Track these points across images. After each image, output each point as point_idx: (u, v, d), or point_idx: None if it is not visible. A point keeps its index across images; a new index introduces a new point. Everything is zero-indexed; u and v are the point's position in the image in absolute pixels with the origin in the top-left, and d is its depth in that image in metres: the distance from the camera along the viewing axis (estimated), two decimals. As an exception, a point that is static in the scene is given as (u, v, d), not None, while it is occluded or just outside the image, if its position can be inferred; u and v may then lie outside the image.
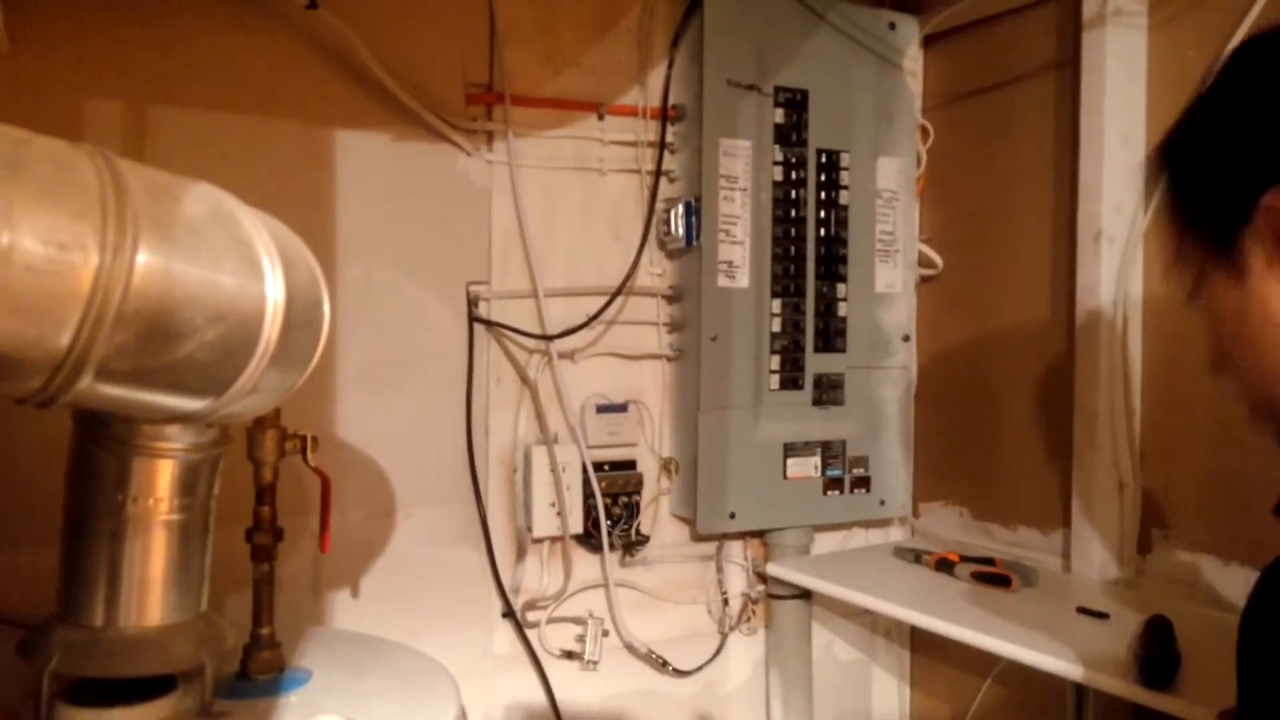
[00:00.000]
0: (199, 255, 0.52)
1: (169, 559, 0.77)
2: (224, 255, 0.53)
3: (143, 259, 0.48)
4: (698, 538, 1.36)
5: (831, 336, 1.35)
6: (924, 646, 1.51)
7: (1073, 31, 1.22)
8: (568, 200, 1.28)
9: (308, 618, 1.14)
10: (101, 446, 0.74)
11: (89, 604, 0.75)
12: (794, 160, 1.32)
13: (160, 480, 0.76)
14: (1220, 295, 0.58)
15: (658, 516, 1.34)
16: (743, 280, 1.29)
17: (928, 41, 1.45)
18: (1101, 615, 1.06)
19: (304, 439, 0.89)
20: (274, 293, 0.56)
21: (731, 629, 1.39)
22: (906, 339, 1.41)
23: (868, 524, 1.47)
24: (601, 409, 1.29)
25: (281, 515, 0.92)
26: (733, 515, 1.29)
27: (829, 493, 1.35)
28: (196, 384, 0.55)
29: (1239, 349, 0.58)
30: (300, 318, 0.59)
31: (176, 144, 1.07)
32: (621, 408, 1.30)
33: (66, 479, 0.76)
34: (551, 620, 1.27)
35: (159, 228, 0.49)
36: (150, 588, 0.76)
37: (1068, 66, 1.24)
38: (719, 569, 1.38)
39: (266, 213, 0.70)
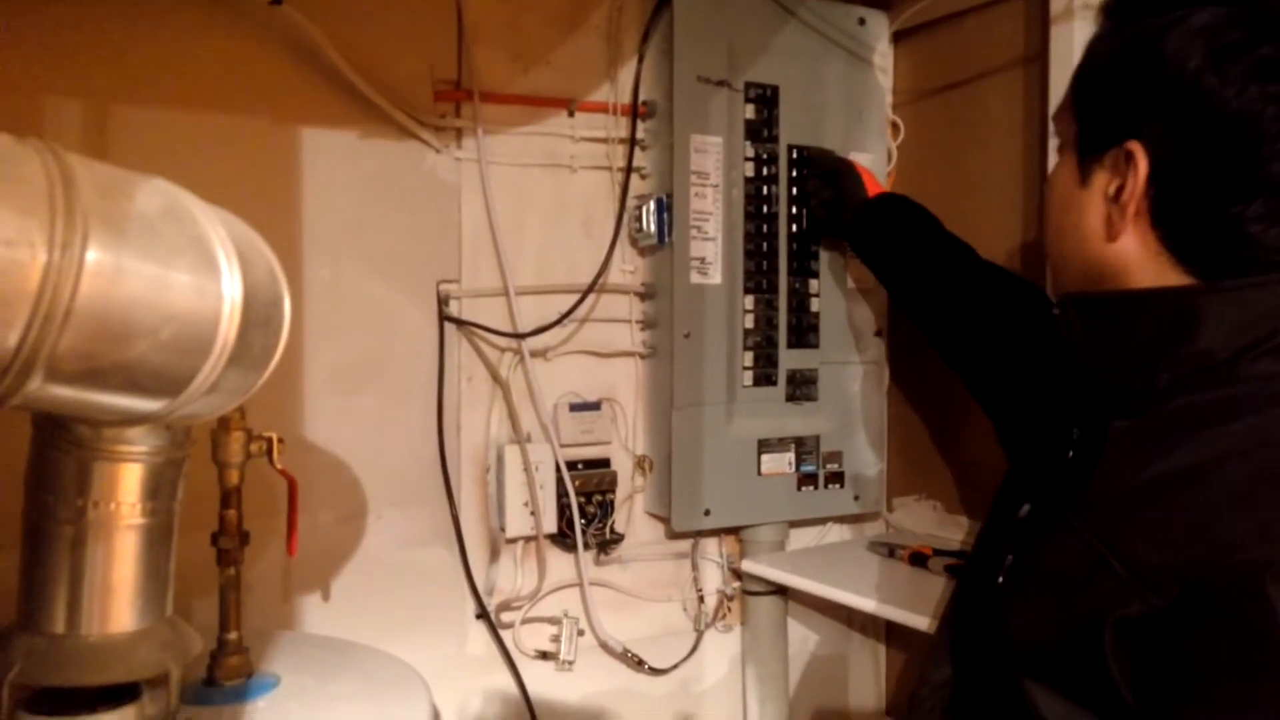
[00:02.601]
0: (152, 252, 0.50)
1: (132, 564, 0.75)
2: (178, 252, 0.52)
3: (93, 256, 0.46)
4: (673, 535, 1.35)
5: (804, 332, 1.35)
6: (899, 640, 1.51)
7: (1040, 25, 1.22)
8: (538, 198, 1.27)
9: (278, 622, 1.13)
10: (62, 450, 0.73)
11: (50, 611, 0.73)
12: (765, 156, 1.32)
13: (122, 484, 0.74)
14: (1064, 182, 0.72)
15: (632, 514, 1.34)
16: (715, 277, 1.28)
17: (898, 37, 1.45)
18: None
19: (270, 440, 0.88)
20: (230, 290, 0.55)
21: (707, 626, 1.39)
22: (879, 334, 1.42)
23: (842, 519, 1.47)
24: (574, 407, 1.28)
25: (250, 518, 0.91)
26: (707, 512, 1.29)
27: (803, 488, 1.35)
28: (151, 384, 0.54)
29: (1054, 228, 0.74)
30: (259, 316, 0.58)
31: (140, 142, 1.05)
32: (595, 406, 1.30)
33: (26, 484, 0.74)
34: (526, 621, 1.26)
35: (110, 224, 0.48)
36: (113, 594, 0.75)
37: (1036, 60, 1.25)
38: (694, 566, 1.38)
39: (228, 210, 0.69)
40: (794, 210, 1.34)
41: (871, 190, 1.23)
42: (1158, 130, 0.64)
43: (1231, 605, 0.52)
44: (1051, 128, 0.75)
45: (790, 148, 1.33)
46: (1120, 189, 0.66)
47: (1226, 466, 0.58)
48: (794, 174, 1.34)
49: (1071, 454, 0.69)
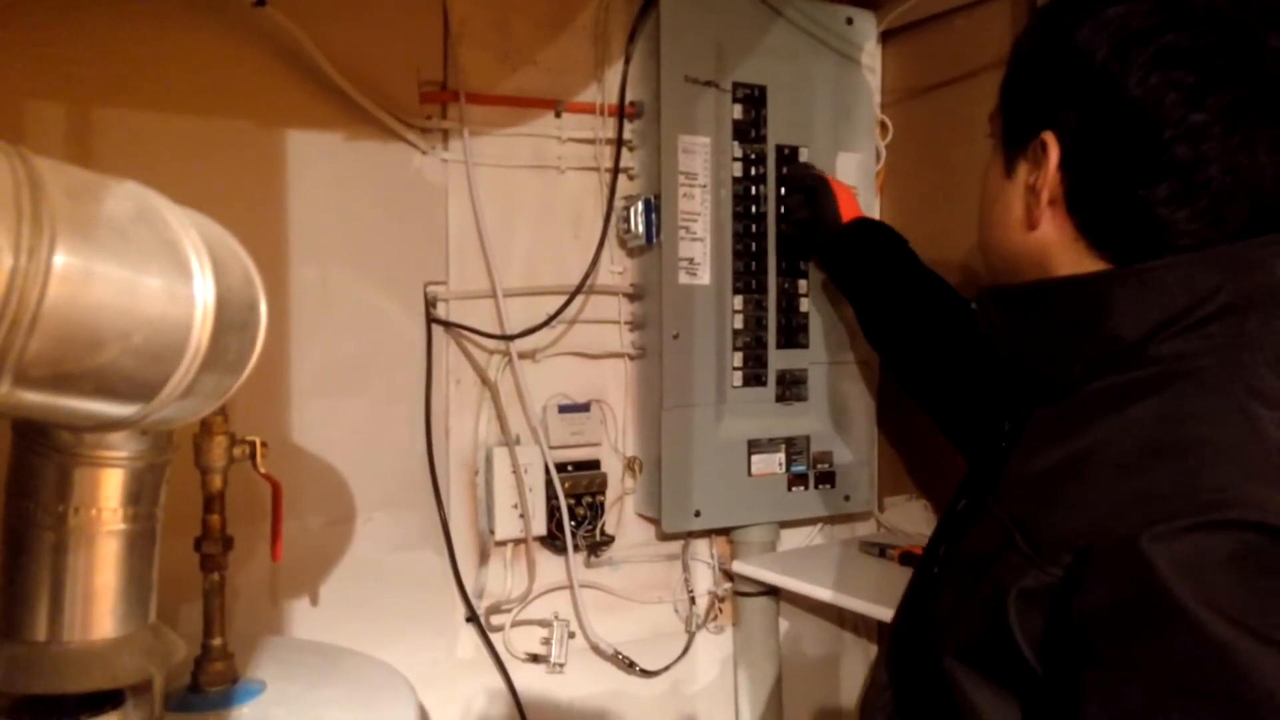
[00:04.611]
0: (122, 256, 0.50)
1: (114, 571, 0.75)
2: (149, 256, 0.52)
3: (61, 260, 0.46)
4: (663, 537, 1.35)
5: (794, 332, 1.35)
6: (892, 641, 1.51)
7: (1027, 24, 1.22)
8: (526, 199, 1.27)
9: (267, 627, 1.12)
10: (42, 456, 0.73)
11: (32, 619, 0.73)
12: (753, 156, 1.31)
13: (104, 490, 0.74)
14: (993, 177, 0.75)
15: (623, 516, 1.33)
16: (704, 277, 1.28)
17: (885, 37, 1.45)
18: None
19: (253, 444, 0.87)
20: (203, 294, 0.54)
21: (699, 628, 1.39)
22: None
23: (833, 519, 1.47)
24: (564, 409, 1.28)
25: (237, 523, 0.90)
26: (698, 513, 1.28)
27: (794, 489, 1.35)
28: (123, 389, 0.53)
29: (983, 220, 0.76)
30: (233, 319, 0.58)
31: (123, 146, 1.05)
32: (584, 407, 1.29)
33: (6, 490, 0.74)
34: (516, 623, 1.26)
35: (78, 228, 0.47)
36: (95, 600, 0.74)
37: (1023, 59, 1.25)
38: (685, 568, 1.38)
39: (213, 212, 0.68)
40: (782, 210, 1.33)
41: (847, 213, 1.23)
42: (1069, 119, 0.65)
43: (1116, 567, 0.53)
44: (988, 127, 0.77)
45: (779, 148, 1.33)
46: (1038, 178, 0.68)
47: (1121, 441, 0.59)
48: (782, 172, 1.33)
49: (1003, 445, 0.71)
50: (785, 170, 1.33)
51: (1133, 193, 0.62)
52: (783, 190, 1.33)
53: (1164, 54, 0.61)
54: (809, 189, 1.28)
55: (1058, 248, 0.67)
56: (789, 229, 1.32)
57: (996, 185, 0.74)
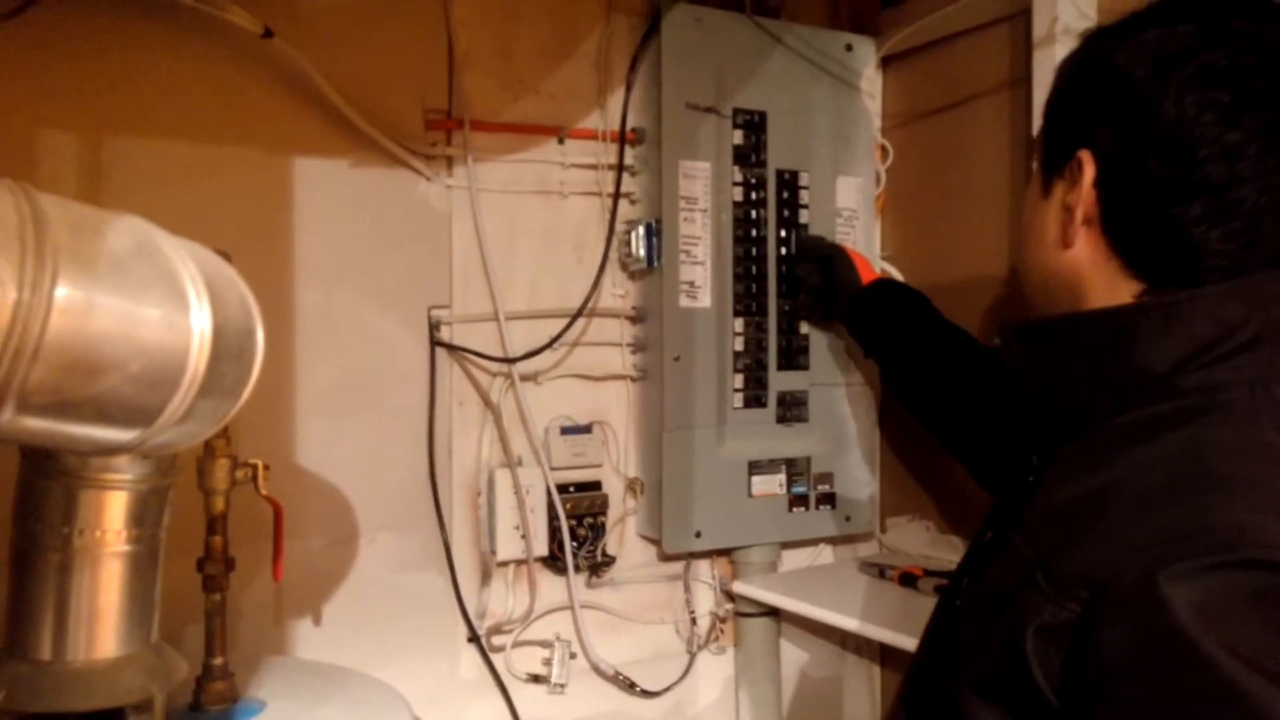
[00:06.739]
0: (122, 288, 0.52)
1: (117, 591, 0.77)
2: (148, 288, 0.53)
3: (62, 293, 0.48)
4: (664, 557, 1.36)
5: (794, 354, 1.36)
6: (894, 661, 1.50)
7: (1025, 50, 1.23)
8: (529, 224, 1.29)
9: (270, 647, 1.14)
10: (48, 479, 0.74)
11: (36, 638, 0.74)
12: (753, 181, 1.33)
13: (108, 512, 0.76)
14: (1031, 200, 0.75)
15: (624, 537, 1.34)
16: (705, 300, 1.30)
17: (885, 62, 1.47)
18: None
19: (255, 467, 0.89)
20: (200, 324, 0.56)
21: (700, 648, 1.39)
22: (868, 355, 1.42)
23: (834, 540, 1.47)
24: (566, 430, 1.29)
25: (240, 544, 0.92)
26: (699, 534, 1.29)
27: (794, 510, 1.35)
28: (122, 416, 0.55)
29: (1021, 241, 0.77)
30: (230, 348, 0.59)
31: (133, 175, 1.07)
32: (586, 429, 1.30)
33: (13, 512, 0.76)
34: (517, 644, 1.27)
35: (80, 261, 0.49)
36: (99, 620, 0.76)
37: (1021, 84, 1.26)
38: (686, 588, 1.38)
39: (218, 240, 0.70)
40: (782, 234, 1.35)
41: (865, 277, 1.24)
42: (1105, 137, 0.66)
43: (1132, 605, 0.53)
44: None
45: (779, 172, 1.35)
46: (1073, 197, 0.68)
47: (1144, 476, 0.59)
48: (784, 195, 1.35)
49: (1030, 479, 0.70)
50: (796, 241, 1.35)
51: (1166, 212, 0.62)
52: (791, 257, 1.35)
53: (1202, 73, 0.61)
54: (824, 258, 1.29)
55: (1091, 268, 0.67)
56: (806, 299, 1.34)
57: (1033, 206, 0.74)
